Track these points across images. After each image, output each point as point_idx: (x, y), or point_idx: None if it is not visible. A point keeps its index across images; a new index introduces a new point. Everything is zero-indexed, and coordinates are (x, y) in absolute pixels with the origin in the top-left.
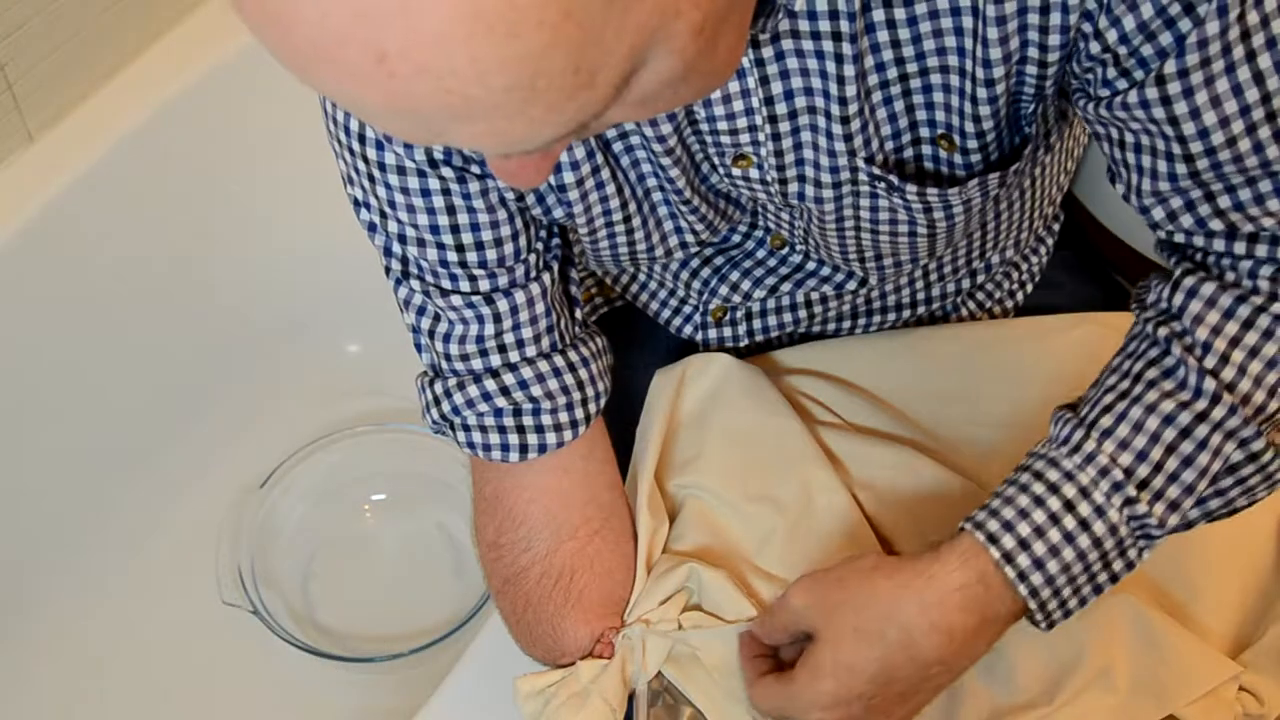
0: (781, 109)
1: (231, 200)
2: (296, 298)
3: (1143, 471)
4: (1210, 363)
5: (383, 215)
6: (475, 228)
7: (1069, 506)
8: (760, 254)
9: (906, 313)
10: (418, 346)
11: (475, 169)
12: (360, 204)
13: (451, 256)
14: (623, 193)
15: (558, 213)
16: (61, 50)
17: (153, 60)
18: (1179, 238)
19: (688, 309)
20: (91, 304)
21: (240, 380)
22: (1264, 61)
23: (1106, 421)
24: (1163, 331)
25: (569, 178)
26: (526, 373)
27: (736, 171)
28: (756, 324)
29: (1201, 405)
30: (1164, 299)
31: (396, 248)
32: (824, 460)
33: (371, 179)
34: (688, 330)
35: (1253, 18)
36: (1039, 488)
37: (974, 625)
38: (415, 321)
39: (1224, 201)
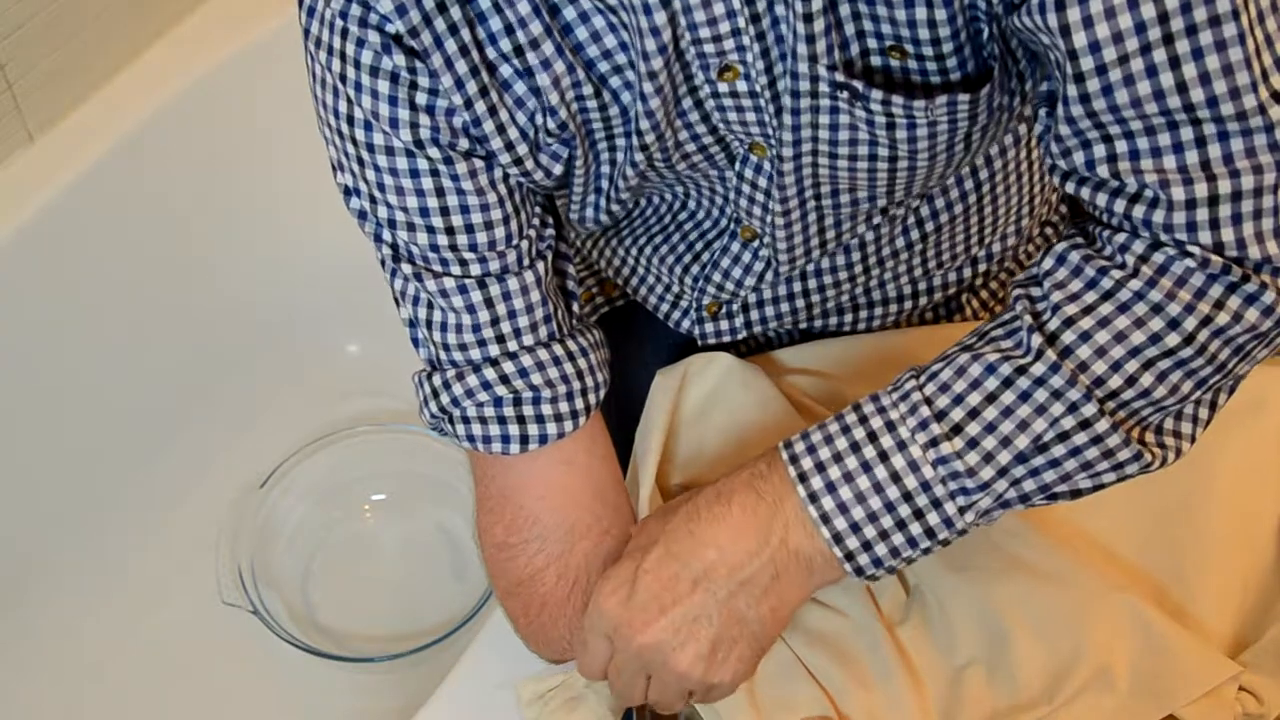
0: (761, 4)
1: (231, 200)
2: (297, 298)
3: (957, 415)
4: (1053, 325)
5: (372, 200)
6: (465, 210)
7: (872, 437)
8: (734, 248)
9: (909, 304)
10: (414, 341)
11: (463, 144)
12: (350, 191)
13: (442, 240)
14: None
15: (554, 150)
16: (61, 50)
17: (153, 60)
18: (1070, 186)
19: (684, 303)
20: (91, 304)
21: (240, 380)
22: None
23: (936, 367)
24: (1017, 292)
25: (554, 98)
26: (526, 361)
27: (724, 87)
28: (754, 315)
29: (1025, 360)
30: (1037, 263)
31: (387, 234)
32: None
33: (360, 162)
34: (685, 324)
35: None
36: (851, 417)
37: (759, 511)
38: (412, 313)
39: (1120, 146)
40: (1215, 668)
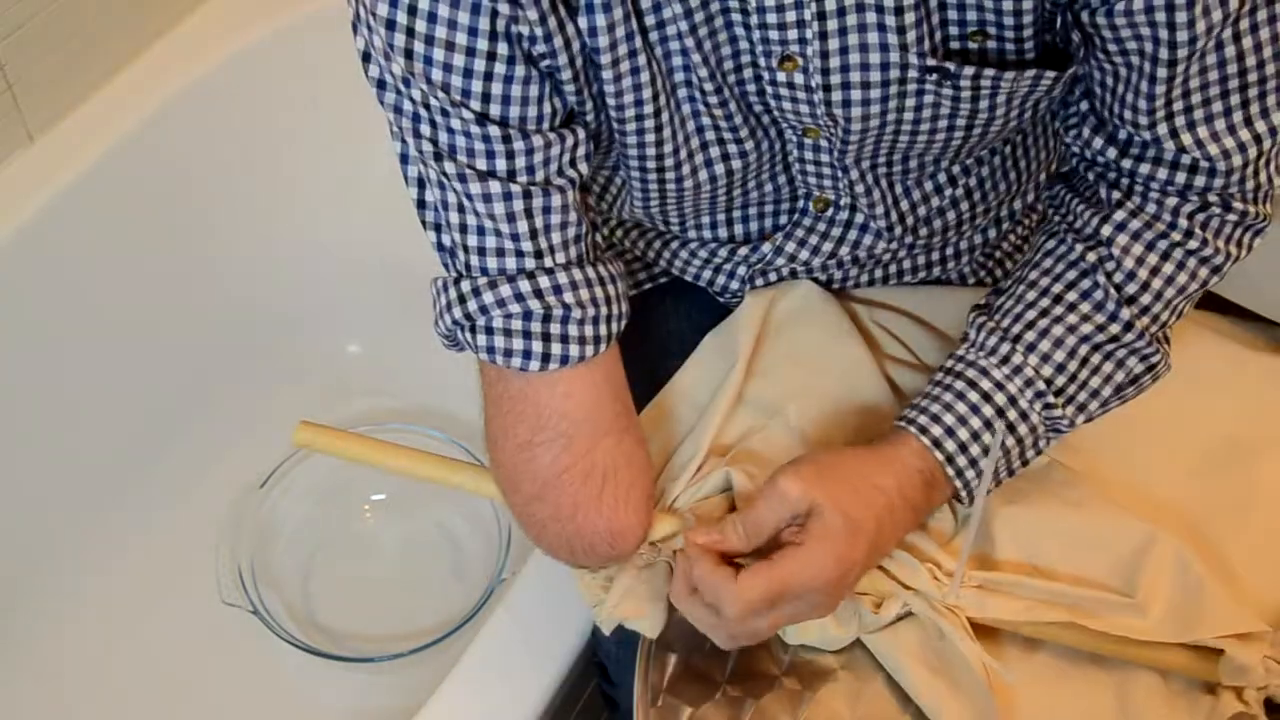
0: (831, 4)
1: (231, 201)
2: (297, 298)
3: (1060, 381)
4: (1131, 289)
5: (406, 83)
6: (509, 80)
7: (1000, 413)
8: (807, 221)
9: (937, 270)
10: (438, 246)
11: (535, 49)
12: (381, 84)
13: (484, 109)
14: (655, 83)
15: (592, 90)
16: (61, 50)
17: (153, 60)
18: (1126, 163)
19: (729, 266)
20: (91, 304)
21: (240, 380)
22: None
23: (1030, 337)
24: (1091, 257)
25: (603, 41)
26: (561, 278)
27: (781, 76)
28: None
29: (1115, 329)
30: (1090, 226)
31: (425, 128)
32: (888, 391)
33: (411, 33)
34: (734, 286)
35: None
36: (974, 396)
37: (923, 503)
38: (443, 218)
39: (1186, 139)
40: (1244, 620)
